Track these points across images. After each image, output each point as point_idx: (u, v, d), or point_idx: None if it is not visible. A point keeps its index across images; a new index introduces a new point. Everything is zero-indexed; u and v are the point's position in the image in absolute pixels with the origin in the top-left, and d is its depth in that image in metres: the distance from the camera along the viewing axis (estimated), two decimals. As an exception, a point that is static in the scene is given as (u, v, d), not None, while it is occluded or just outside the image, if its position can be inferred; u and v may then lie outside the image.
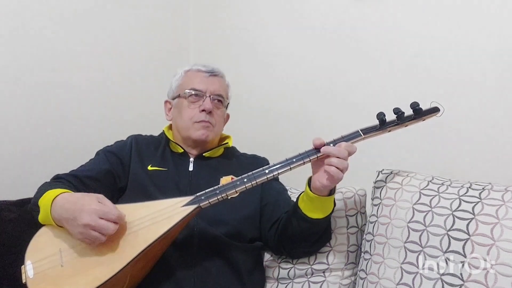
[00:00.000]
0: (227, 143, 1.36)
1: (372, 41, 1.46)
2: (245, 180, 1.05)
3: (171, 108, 1.36)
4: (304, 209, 1.10)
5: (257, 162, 1.32)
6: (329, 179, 1.02)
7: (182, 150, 1.30)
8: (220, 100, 1.31)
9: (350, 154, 1.03)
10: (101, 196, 1.02)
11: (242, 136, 1.55)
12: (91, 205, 0.97)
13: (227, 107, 1.37)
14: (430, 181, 1.13)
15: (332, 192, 1.08)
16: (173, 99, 1.34)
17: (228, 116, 1.41)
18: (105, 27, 1.73)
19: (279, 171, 1.05)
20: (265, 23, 1.79)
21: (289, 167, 1.04)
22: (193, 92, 1.28)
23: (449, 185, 1.09)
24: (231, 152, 1.38)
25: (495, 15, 1.22)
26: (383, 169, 1.24)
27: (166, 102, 1.38)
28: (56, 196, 1.04)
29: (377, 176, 1.23)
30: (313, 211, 1.09)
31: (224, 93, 1.33)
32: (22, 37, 1.50)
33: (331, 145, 1.03)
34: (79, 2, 1.64)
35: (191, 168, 1.28)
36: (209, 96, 1.28)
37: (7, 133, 1.49)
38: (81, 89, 1.67)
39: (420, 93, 1.30)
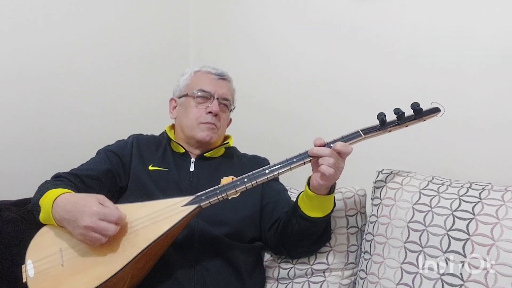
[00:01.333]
0: (228, 142, 1.36)
1: (375, 38, 1.46)
2: (245, 180, 1.05)
3: (176, 106, 1.36)
4: (304, 208, 1.10)
5: (258, 162, 1.33)
6: (321, 177, 1.02)
7: (184, 150, 1.30)
8: (226, 105, 1.33)
9: (345, 154, 1.02)
10: (102, 197, 1.01)
11: (243, 135, 1.55)
12: (92, 207, 0.97)
13: (231, 111, 1.38)
14: (430, 181, 1.13)
15: (331, 191, 1.08)
16: (180, 97, 1.35)
17: (230, 120, 1.42)
18: (105, 26, 1.73)
19: (280, 171, 1.05)
20: (266, 20, 1.79)
21: (289, 167, 1.05)
22: (202, 94, 1.29)
23: (449, 185, 1.09)
24: (232, 152, 1.38)
25: (497, 13, 1.22)
26: (383, 169, 1.24)
27: (171, 99, 1.39)
28: (58, 197, 1.04)
29: (377, 176, 1.23)
30: (312, 210, 1.09)
31: (231, 98, 1.35)
32: (22, 37, 1.50)
33: (331, 145, 1.03)
34: (80, 1, 1.65)
35: (192, 168, 1.28)
36: (217, 98, 1.29)
37: (7, 133, 1.49)
38: (81, 88, 1.67)
39: (421, 92, 1.31)
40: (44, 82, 1.56)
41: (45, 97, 1.57)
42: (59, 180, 1.17)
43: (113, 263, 0.97)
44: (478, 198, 1.01)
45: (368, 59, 1.48)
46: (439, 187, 1.10)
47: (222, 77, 1.34)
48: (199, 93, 1.29)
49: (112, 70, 1.76)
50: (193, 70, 1.36)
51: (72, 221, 0.98)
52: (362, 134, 1.05)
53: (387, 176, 1.20)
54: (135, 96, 1.83)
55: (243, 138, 1.54)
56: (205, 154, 1.30)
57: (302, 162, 1.04)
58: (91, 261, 0.98)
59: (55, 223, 1.04)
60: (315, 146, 1.05)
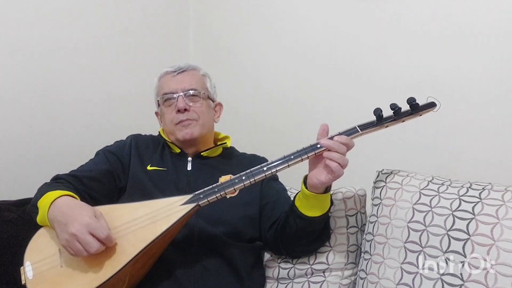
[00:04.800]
0: (225, 143, 1.35)
1: (376, 35, 1.45)
2: (244, 178, 1.05)
3: (160, 117, 1.36)
4: (300, 207, 1.10)
5: (256, 161, 1.32)
6: (329, 173, 1.01)
7: (179, 150, 1.30)
8: (195, 94, 1.28)
9: (348, 148, 1.02)
10: (99, 212, 1.01)
11: (242, 134, 1.54)
12: (85, 217, 0.96)
13: (211, 97, 1.34)
14: (430, 181, 1.13)
15: (327, 189, 1.08)
16: (158, 108, 1.35)
17: (220, 105, 1.40)
18: (104, 27, 1.73)
19: (277, 168, 1.04)
20: (265, 20, 1.78)
21: (287, 164, 1.04)
22: (165, 97, 1.28)
23: (449, 185, 1.09)
24: (230, 152, 1.38)
25: (497, 11, 1.21)
26: (383, 169, 1.23)
27: (156, 113, 1.39)
28: (56, 198, 1.04)
29: (377, 176, 1.23)
30: (309, 209, 1.09)
31: (198, 85, 1.30)
32: (21, 37, 1.50)
33: (334, 139, 1.02)
34: (79, 1, 1.64)
35: (189, 167, 1.28)
36: (181, 94, 1.26)
37: (7, 133, 1.49)
38: (81, 89, 1.67)
39: (421, 92, 1.30)
40: (44, 83, 1.57)
41: (44, 97, 1.57)
42: (59, 182, 1.17)
43: (112, 263, 0.97)
44: (478, 198, 1.01)
45: (373, 53, 1.47)
46: (439, 187, 1.09)
47: (181, 70, 1.30)
48: (164, 97, 1.28)
49: (112, 70, 1.76)
50: (157, 77, 1.34)
51: (62, 224, 0.97)
52: (359, 130, 1.05)
53: (387, 176, 1.20)
54: (135, 97, 1.83)
55: (242, 131, 1.54)
56: (202, 153, 1.30)
57: (300, 159, 1.04)
58: (90, 262, 0.98)
59: (49, 224, 1.04)
60: (321, 129, 1.05)
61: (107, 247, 0.98)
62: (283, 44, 1.73)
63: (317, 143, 1.04)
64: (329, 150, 1.01)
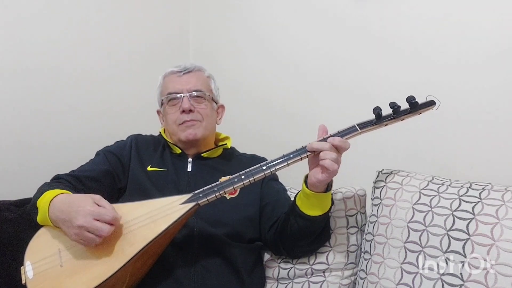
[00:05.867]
0: (226, 144, 1.35)
1: (376, 33, 1.45)
2: (243, 177, 1.05)
3: (162, 116, 1.37)
4: (301, 207, 1.10)
5: (256, 161, 1.31)
6: (324, 172, 1.01)
7: (180, 151, 1.30)
8: (200, 95, 1.29)
9: (343, 150, 1.02)
10: (98, 197, 1.01)
11: (241, 132, 1.54)
12: (86, 207, 0.96)
13: (215, 99, 1.35)
14: (430, 181, 1.13)
15: (328, 189, 1.08)
16: (161, 107, 1.35)
17: (222, 107, 1.40)
18: (105, 28, 1.73)
19: (277, 167, 1.04)
20: (267, 16, 1.78)
21: (286, 163, 1.04)
22: (170, 96, 1.28)
23: (449, 185, 1.09)
24: (230, 153, 1.38)
25: (498, 6, 1.21)
26: (383, 169, 1.23)
27: (157, 111, 1.39)
28: (54, 197, 1.04)
29: (377, 176, 1.23)
30: (310, 208, 1.09)
31: (204, 87, 1.31)
32: (20, 35, 1.50)
33: (327, 140, 1.03)
34: (80, 2, 1.65)
35: (189, 168, 1.28)
36: (186, 95, 1.27)
37: (7, 133, 1.49)
38: (81, 89, 1.67)
39: (421, 91, 1.30)
40: (44, 82, 1.57)
41: (45, 97, 1.57)
42: (58, 181, 1.17)
43: (112, 262, 0.97)
44: (478, 198, 1.01)
45: (369, 55, 1.47)
46: (439, 187, 1.09)
47: (187, 70, 1.31)
48: (168, 97, 1.28)
49: (112, 69, 1.76)
50: (162, 76, 1.35)
51: (66, 221, 0.98)
52: (358, 129, 1.05)
53: (387, 176, 1.20)
54: (135, 97, 1.83)
55: (242, 135, 1.54)
56: (202, 154, 1.30)
57: (299, 157, 1.04)
58: (90, 261, 0.99)
59: (52, 224, 1.04)
60: (320, 130, 1.05)
61: (108, 246, 0.98)
62: (275, 55, 1.75)
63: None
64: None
